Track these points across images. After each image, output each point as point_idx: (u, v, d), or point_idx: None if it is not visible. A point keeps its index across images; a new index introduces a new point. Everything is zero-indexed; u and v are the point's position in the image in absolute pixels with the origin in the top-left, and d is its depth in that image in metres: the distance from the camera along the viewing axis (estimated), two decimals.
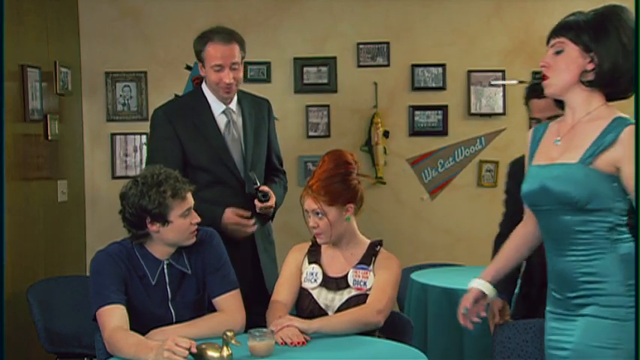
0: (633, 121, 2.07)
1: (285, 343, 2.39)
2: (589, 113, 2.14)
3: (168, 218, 2.49)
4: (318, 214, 2.64)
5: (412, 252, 4.59)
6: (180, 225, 2.52)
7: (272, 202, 3.05)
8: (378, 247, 2.73)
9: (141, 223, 2.50)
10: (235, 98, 3.17)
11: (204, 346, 2.25)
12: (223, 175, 3.09)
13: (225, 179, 3.09)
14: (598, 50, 2.10)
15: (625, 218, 2.11)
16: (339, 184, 2.65)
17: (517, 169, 2.73)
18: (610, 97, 2.17)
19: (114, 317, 2.41)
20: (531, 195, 2.18)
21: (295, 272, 2.74)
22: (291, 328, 2.43)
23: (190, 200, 2.56)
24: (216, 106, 3.14)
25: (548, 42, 2.19)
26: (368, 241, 2.76)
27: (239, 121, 3.17)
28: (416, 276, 3.77)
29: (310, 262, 2.74)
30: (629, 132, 2.04)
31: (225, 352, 2.23)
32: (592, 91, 2.14)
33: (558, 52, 2.15)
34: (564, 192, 2.08)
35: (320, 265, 2.72)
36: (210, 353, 2.23)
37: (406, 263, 4.15)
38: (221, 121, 3.14)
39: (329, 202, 2.63)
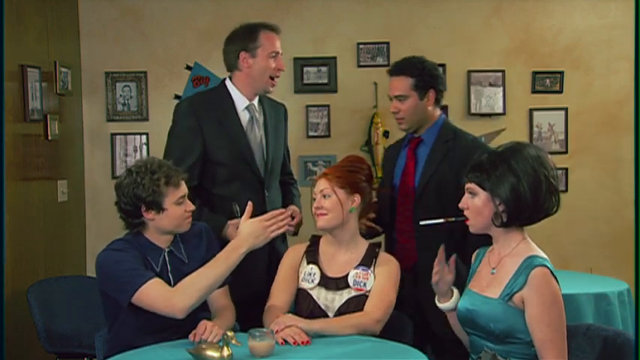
0: (542, 261, 2.25)
1: (286, 343, 2.39)
2: (512, 249, 2.33)
3: (162, 206, 2.53)
4: (325, 196, 2.69)
5: None
6: (174, 212, 2.55)
7: (298, 220, 3.08)
8: (378, 249, 2.76)
9: (136, 211, 2.54)
10: (257, 97, 3.17)
11: (204, 346, 2.25)
12: (242, 172, 3.06)
13: (244, 175, 3.07)
14: (501, 195, 2.26)
15: None
16: (353, 174, 2.75)
17: (387, 156, 3.25)
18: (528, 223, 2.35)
19: (160, 286, 2.42)
20: (462, 319, 2.39)
21: (291, 274, 2.74)
22: (293, 328, 2.43)
23: (184, 188, 2.59)
24: (240, 102, 3.11)
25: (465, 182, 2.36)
26: (367, 243, 2.77)
27: (261, 119, 3.15)
28: None
29: (309, 262, 2.75)
30: (534, 275, 2.22)
31: (226, 352, 2.24)
32: (509, 229, 2.32)
33: (473, 195, 2.32)
34: (485, 325, 2.29)
35: (318, 266, 2.72)
36: (210, 353, 2.23)
37: None
38: (244, 117, 3.12)
39: (340, 184, 2.70)
